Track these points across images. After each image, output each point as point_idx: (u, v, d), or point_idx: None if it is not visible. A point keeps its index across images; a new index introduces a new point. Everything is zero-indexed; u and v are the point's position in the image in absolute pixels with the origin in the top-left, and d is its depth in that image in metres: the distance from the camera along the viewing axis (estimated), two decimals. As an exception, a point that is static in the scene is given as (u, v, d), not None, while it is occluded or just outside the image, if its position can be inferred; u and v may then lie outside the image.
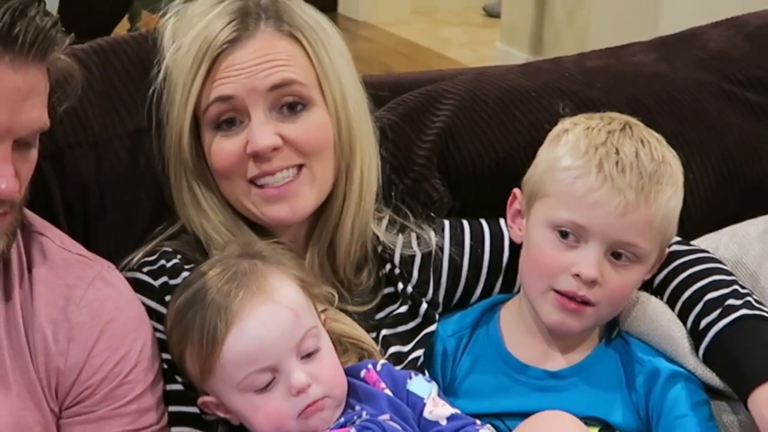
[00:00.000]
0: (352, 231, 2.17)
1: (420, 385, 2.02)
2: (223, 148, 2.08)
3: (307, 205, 2.11)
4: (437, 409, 1.99)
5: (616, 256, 2.05)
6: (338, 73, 2.11)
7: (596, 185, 2.02)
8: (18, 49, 1.76)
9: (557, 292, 2.07)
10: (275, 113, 2.07)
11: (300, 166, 2.09)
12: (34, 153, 1.87)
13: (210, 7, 2.11)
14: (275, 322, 1.90)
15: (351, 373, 1.99)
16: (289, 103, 2.08)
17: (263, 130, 2.05)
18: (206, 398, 1.98)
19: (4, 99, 1.76)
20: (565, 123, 2.16)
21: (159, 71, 2.15)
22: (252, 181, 2.09)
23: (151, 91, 2.16)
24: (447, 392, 2.10)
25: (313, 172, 2.10)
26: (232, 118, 2.08)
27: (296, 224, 2.14)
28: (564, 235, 2.06)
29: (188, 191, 2.13)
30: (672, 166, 2.09)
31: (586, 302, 2.05)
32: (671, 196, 2.06)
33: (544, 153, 2.14)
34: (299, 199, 2.10)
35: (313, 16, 2.15)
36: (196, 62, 2.06)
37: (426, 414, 1.98)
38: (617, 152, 2.03)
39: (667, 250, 2.17)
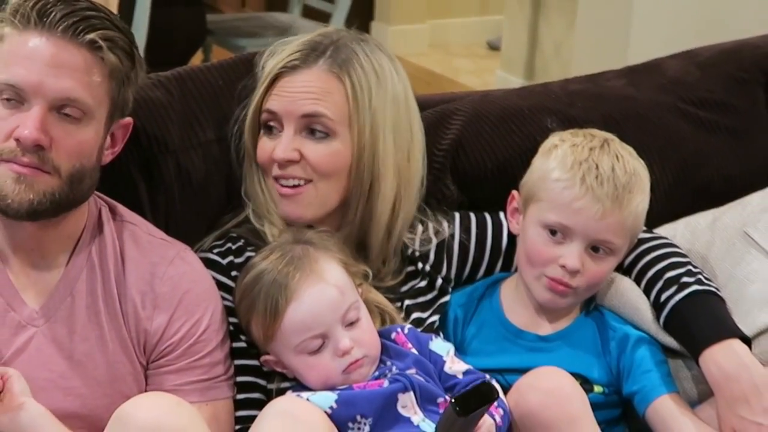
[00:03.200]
0: (384, 235, 2.17)
1: (440, 345, 2.03)
2: (263, 147, 2.11)
3: (304, 213, 2.11)
4: (455, 365, 2.01)
5: (595, 249, 2.08)
6: (374, 115, 2.09)
7: (580, 194, 2.05)
8: (48, 24, 1.77)
9: (547, 277, 2.09)
10: (304, 133, 2.08)
11: (308, 181, 2.09)
12: (84, 132, 1.84)
13: (300, 36, 2.15)
14: (325, 298, 1.92)
15: (383, 335, 2.01)
16: (315, 129, 2.08)
17: (286, 145, 2.07)
18: (267, 357, 1.99)
19: (37, 62, 1.77)
20: (554, 138, 2.17)
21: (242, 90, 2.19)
22: (275, 179, 2.11)
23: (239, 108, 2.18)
24: (457, 351, 2.09)
25: (317, 190, 2.10)
26: (274, 126, 2.10)
27: (302, 223, 2.13)
28: (553, 232, 2.08)
29: (258, 184, 2.15)
30: (641, 176, 2.11)
31: (569, 286, 2.09)
32: (640, 202, 2.09)
33: (537, 163, 2.16)
34: (300, 206, 2.10)
35: (375, 63, 2.12)
36: (264, 77, 2.09)
37: (446, 369, 1.99)
38: (597, 167, 2.05)
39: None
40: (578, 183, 2.05)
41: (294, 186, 2.10)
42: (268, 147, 2.11)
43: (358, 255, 2.14)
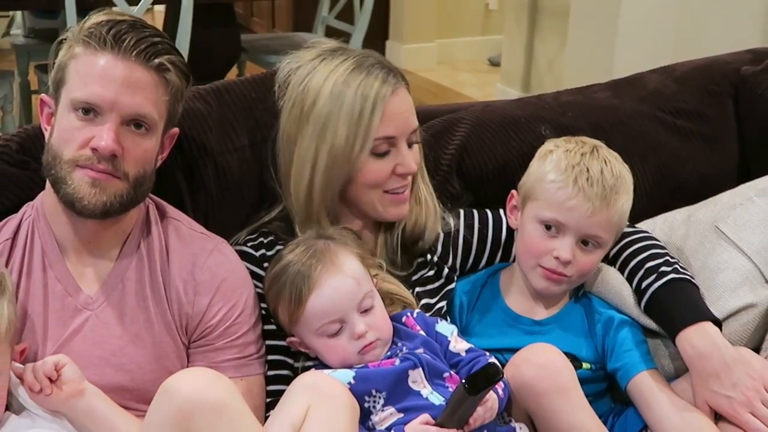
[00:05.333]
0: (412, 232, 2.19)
1: (445, 327, 2.03)
2: (379, 168, 2.05)
3: (407, 210, 2.14)
4: (458, 344, 2.00)
5: (585, 243, 2.08)
6: None
7: (573, 195, 2.05)
8: (123, 48, 1.80)
9: (543, 267, 2.10)
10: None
11: (411, 185, 2.13)
12: (148, 142, 1.86)
13: (347, 62, 2.05)
14: (343, 287, 1.91)
15: (394, 319, 2.00)
16: (412, 142, 2.10)
17: (411, 158, 2.08)
18: (292, 338, 1.99)
19: (113, 82, 1.79)
20: (549, 144, 2.17)
21: (276, 101, 2.13)
22: (387, 191, 2.08)
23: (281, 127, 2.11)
24: (462, 333, 2.09)
25: (414, 191, 2.15)
26: (389, 150, 2.06)
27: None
28: (548, 227, 2.09)
29: (320, 192, 2.06)
30: (625, 179, 2.10)
31: (562, 274, 2.09)
32: (624, 201, 2.09)
33: (534, 166, 2.15)
34: (406, 206, 2.12)
35: None
36: (368, 109, 2.00)
37: (451, 348, 1.99)
38: (588, 171, 2.06)
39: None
40: (571, 184, 2.06)
41: (403, 192, 2.11)
42: (385, 167, 2.06)
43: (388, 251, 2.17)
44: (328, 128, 2.01)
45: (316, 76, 2.05)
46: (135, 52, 1.81)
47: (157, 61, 1.83)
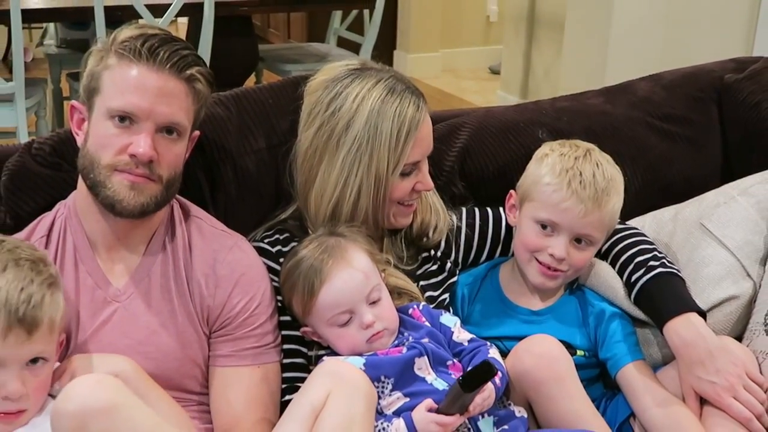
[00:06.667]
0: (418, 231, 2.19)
1: (448, 318, 2.03)
2: (403, 186, 2.04)
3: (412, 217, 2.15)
4: (461, 334, 2.01)
5: (578, 241, 2.08)
6: None
7: (566, 197, 2.05)
8: (159, 61, 1.81)
9: (539, 262, 2.10)
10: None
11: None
12: (179, 147, 1.88)
13: (379, 86, 2.02)
14: (352, 281, 1.91)
15: (401, 310, 2.00)
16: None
17: (428, 176, 2.09)
18: (306, 328, 1.99)
19: (148, 92, 1.80)
20: (545, 148, 2.16)
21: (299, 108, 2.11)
22: (402, 203, 2.08)
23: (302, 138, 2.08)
24: (464, 323, 2.09)
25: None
26: (412, 170, 2.05)
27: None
28: (544, 227, 2.09)
29: (348, 211, 2.04)
30: (616, 180, 2.10)
31: (557, 270, 2.09)
32: (615, 203, 2.08)
33: (531, 168, 2.15)
34: (413, 214, 2.14)
35: None
36: (402, 136, 1.99)
37: (454, 338, 1.99)
38: (581, 174, 2.05)
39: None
40: (565, 187, 2.05)
41: (413, 203, 2.12)
42: (408, 185, 2.06)
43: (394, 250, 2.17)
44: (364, 153, 1.99)
45: (348, 98, 2.01)
46: (168, 64, 1.82)
47: (188, 72, 1.85)
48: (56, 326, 1.74)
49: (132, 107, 1.80)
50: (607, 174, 2.08)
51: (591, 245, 2.10)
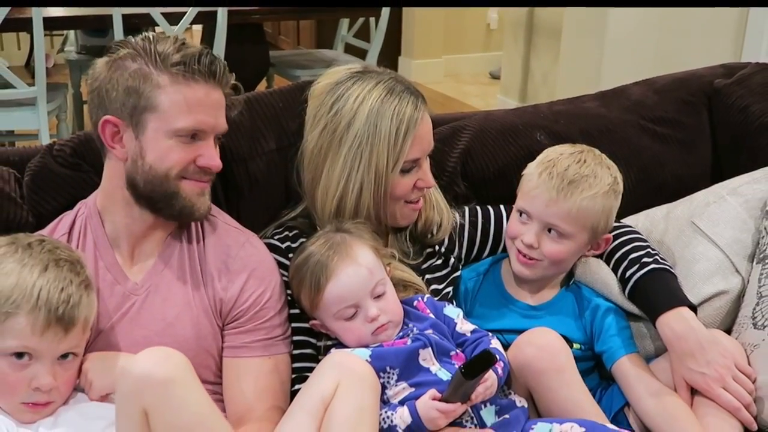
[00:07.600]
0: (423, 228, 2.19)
1: (452, 310, 2.02)
2: (404, 183, 2.04)
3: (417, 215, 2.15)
4: (464, 326, 2.00)
5: (550, 231, 2.07)
6: None
7: (536, 185, 2.06)
8: (217, 78, 1.86)
9: (517, 250, 2.11)
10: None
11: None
12: (218, 151, 1.94)
13: (379, 87, 2.02)
14: (357, 276, 1.91)
15: (406, 302, 2.00)
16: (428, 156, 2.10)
17: (430, 173, 2.09)
18: (314, 321, 1.98)
19: (211, 108, 1.87)
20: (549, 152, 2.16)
21: (304, 110, 2.11)
22: (408, 202, 2.08)
23: (312, 137, 2.07)
24: (467, 316, 2.08)
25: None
26: (412, 167, 2.05)
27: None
28: (521, 214, 2.11)
29: (351, 207, 2.03)
30: (598, 179, 2.06)
31: (532, 258, 2.09)
32: (585, 198, 2.04)
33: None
34: (418, 211, 2.13)
35: None
36: (401, 133, 1.99)
37: (457, 329, 1.98)
38: (554, 167, 2.06)
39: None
40: (536, 176, 2.07)
41: (419, 201, 2.11)
42: (409, 182, 2.05)
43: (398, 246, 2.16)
44: (364, 151, 1.99)
45: (349, 100, 2.01)
46: (225, 81, 1.89)
47: (231, 83, 1.91)
48: (89, 325, 1.77)
49: (202, 125, 1.85)
50: (584, 170, 2.06)
51: (564, 238, 2.07)
